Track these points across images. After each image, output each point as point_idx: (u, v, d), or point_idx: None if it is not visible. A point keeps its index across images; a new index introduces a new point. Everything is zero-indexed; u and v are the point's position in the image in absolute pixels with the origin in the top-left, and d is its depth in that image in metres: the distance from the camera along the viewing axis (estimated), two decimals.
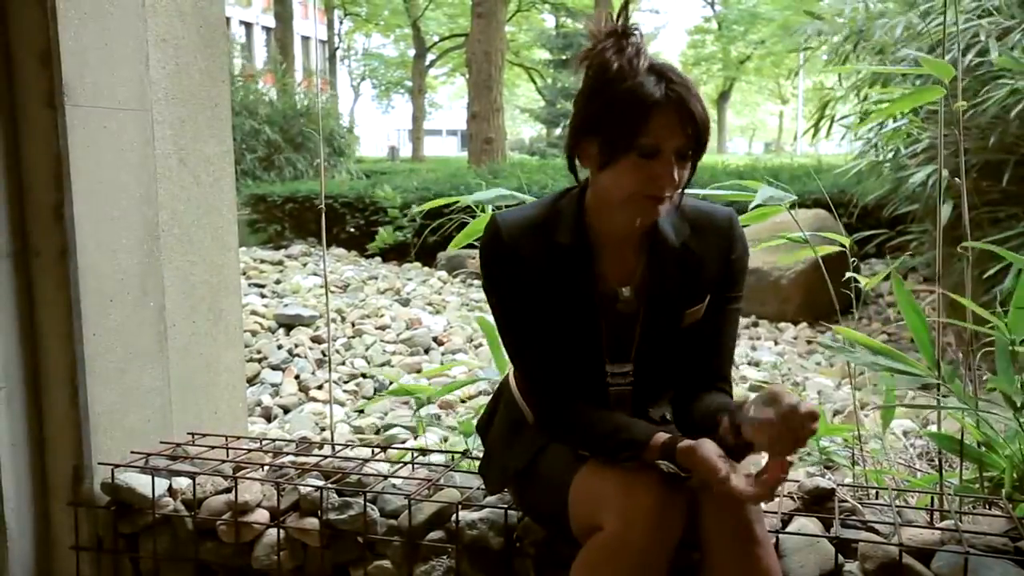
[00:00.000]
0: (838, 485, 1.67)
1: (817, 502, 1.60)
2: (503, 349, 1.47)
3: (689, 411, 1.39)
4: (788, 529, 1.52)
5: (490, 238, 1.37)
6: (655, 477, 1.24)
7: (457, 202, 2.48)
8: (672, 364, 1.42)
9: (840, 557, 1.47)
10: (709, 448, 1.19)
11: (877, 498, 1.74)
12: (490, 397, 1.67)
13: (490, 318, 1.57)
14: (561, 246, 1.35)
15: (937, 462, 1.89)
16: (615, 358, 1.41)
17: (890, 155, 4.83)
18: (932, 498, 1.73)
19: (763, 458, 1.18)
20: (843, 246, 1.94)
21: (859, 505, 1.61)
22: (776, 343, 5.06)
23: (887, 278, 1.86)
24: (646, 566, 1.20)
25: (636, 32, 1.27)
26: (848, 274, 1.96)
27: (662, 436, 1.25)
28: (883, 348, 1.72)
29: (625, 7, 1.27)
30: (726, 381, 1.43)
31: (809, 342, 5.12)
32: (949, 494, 1.74)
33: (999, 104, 3.58)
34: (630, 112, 1.22)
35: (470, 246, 1.95)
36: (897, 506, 1.61)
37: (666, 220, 1.37)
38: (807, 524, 1.53)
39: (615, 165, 1.26)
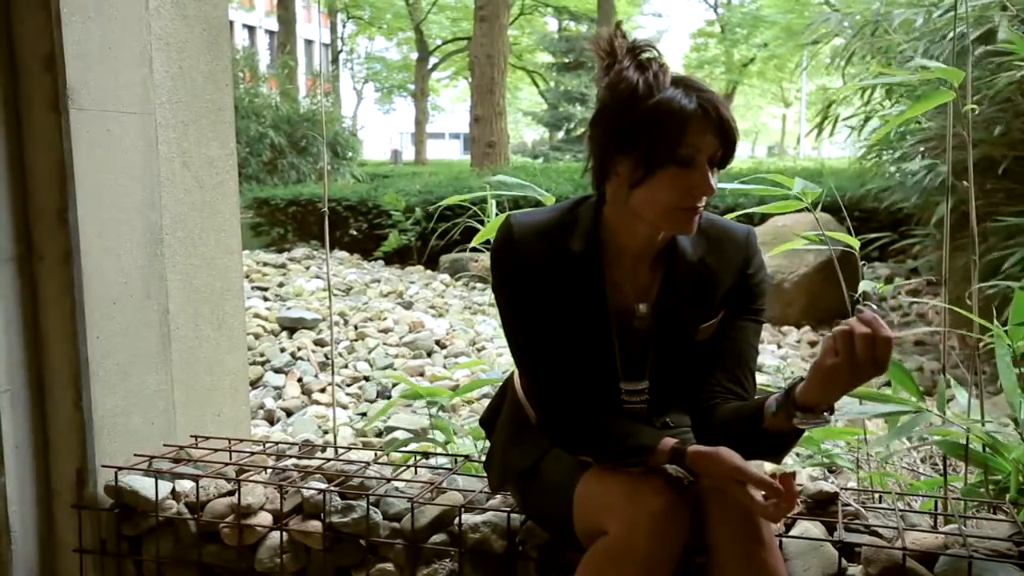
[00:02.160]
0: (841, 489, 1.66)
1: (820, 506, 1.60)
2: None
3: (717, 419, 1.34)
4: (791, 533, 1.52)
5: (502, 238, 1.36)
6: (661, 482, 1.24)
7: (467, 203, 2.46)
8: (687, 379, 1.40)
9: (843, 561, 1.47)
10: (732, 453, 1.19)
11: (881, 502, 1.74)
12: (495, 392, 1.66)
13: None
14: (573, 253, 1.34)
15: (941, 466, 1.89)
16: (630, 376, 1.40)
17: (895, 155, 4.83)
18: (936, 502, 1.72)
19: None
20: (851, 248, 1.94)
21: (862, 509, 1.60)
22: (779, 347, 5.05)
23: (889, 281, 1.85)
24: (651, 571, 1.20)
25: (652, 48, 1.26)
26: (862, 281, 1.96)
27: (671, 441, 1.25)
28: (867, 393, 1.68)
29: (618, 27, 1.28)
30: (751, 395, 1.39)
31: (812, 345, 5.11)
32: (953, 498, 1.74)
33: (1006, 89, 3.52)
34: (667, 124, 1.21)
35: (473, 249, 1.95)
36: (901, 510, 1.61)
37: (684, 236, 1.35)
38: (810, 528, 1.53)
39: (651, 179, 1.24)
